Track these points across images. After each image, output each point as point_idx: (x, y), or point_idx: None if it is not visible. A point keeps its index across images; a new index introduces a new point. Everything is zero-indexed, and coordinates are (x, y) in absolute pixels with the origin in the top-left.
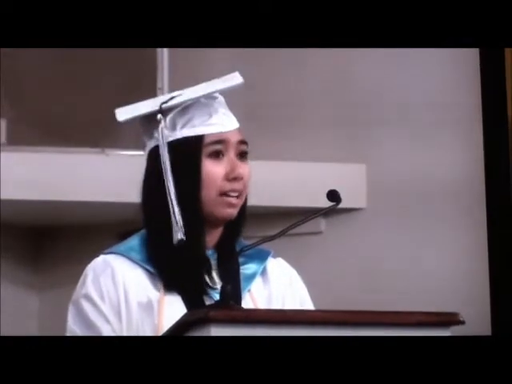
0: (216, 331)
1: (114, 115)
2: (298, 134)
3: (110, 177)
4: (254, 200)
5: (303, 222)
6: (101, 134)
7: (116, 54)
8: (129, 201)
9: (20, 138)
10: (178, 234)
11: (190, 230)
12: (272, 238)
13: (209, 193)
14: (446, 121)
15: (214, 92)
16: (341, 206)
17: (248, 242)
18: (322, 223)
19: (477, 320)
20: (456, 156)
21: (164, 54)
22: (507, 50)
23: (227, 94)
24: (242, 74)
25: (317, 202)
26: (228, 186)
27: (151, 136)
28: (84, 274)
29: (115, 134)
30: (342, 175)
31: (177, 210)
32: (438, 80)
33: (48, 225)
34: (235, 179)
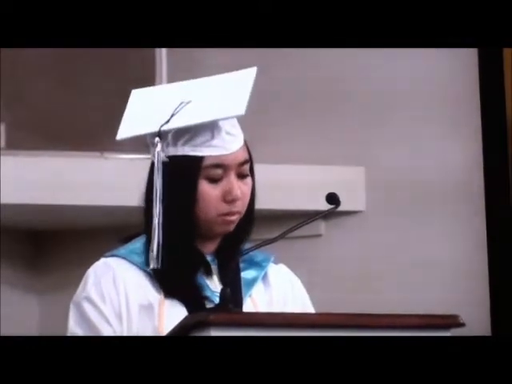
0: (216, 334)
1: (112, 118)
2: (296, 136)
3: (109, 180)
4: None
5: (303, 224)
6: (99, 137)
7: (114, 56)
8: (128, 204)
9: (19, 141)
10: (153, 263)
11: (182, 239)
12: (272, 241)
13: (207, 213)
14: (446, 123)
15: (217, 120)
16: (340, 208)
17: (249, 246)
18: (321, 226)
19: (477, 320)
20: (455, 158)
21: (163, 56)
22: (506, 50)
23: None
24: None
25: (316, 205)
26: (225, 208)
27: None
28: (85, 276)
29: (114, 137)
30: (341, 178)
31: (160, 238)
32: (437, 81)
33: (47, 228)
34: (233, 201)
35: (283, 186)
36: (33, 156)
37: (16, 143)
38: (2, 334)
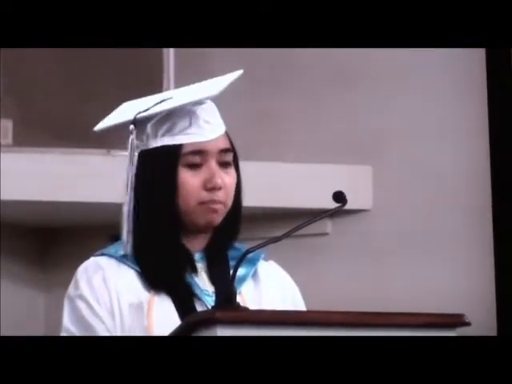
0: (222, 332)
1: None
2: (304, 135)
3: (116, 177)
4: (260, 201)
5: (309, 223)
6: (107, 134)
7: (122, 55)
8: None
9: (26, 139)
10: (125, 249)
11: (168, 235)
12: (278, 240)
13: (187, 202)
14: (452, 121)
15: (188, 104)
16: (347, 207)
17: (243, 245)
18: (328, 224)
19: (482, 320)
20: (463, 156)
21: (170, 55)
22: None
23: (231, 93)
24: (249, 74)
25: (323, 204)
26: (206, 196)
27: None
28: (76, 275)
29: (121, 134)
30: (348, 176)
31: (131, 224)
32: (443, 81)
33: (54, 225)
34: (213, 189)
35: (290, 184)
36: (40, 153)
37: (23, 140)
38: (9, 332)
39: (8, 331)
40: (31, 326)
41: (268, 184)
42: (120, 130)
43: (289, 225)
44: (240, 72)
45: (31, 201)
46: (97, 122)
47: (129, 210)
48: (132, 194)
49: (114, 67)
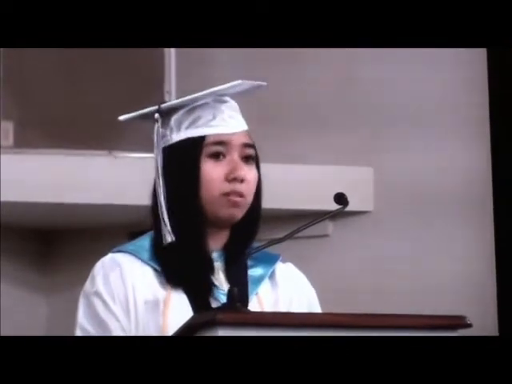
0: (223, 334)
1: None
2: (305, 136)
3: (118, 179)
4: (262, 203)
5: (310, 224)
6: (108, 136)
7: (124, 57)
8: (136, 203)
9: (28, 140)
10: (166, 237)
11: (190, 230)
12: (279, 241)
13: (210, 193)
14: (454, 123)
15: (215, 93)
16: (348, 208)
17: (258, 244)
18: (329, 226)
19: (484, 320)
20: (463, 159)
21: (172, 57)
22: None
23: (240, 96)
24: (252, 77)
25: (324, 205)
26: (228, 187)
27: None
28: (93, 270)
29: (123, 136)
30: (349, 178)
31: (165, 212)
32: (445, 82)
33: (56, 227)
34: (235, 180)
35: (291, 185)
36: (41, 155)
37: (25, 142)
38: (11, 334)
39: (8, 334)
40: (32, 329)
41: (270, 186)
42: (122, 131)
43: (290, 226)
44: (264, 83)
45: (32, 202)
46: (98, 124)
47: (161, 201)
48: (163, 182)
49: (115, 68)
